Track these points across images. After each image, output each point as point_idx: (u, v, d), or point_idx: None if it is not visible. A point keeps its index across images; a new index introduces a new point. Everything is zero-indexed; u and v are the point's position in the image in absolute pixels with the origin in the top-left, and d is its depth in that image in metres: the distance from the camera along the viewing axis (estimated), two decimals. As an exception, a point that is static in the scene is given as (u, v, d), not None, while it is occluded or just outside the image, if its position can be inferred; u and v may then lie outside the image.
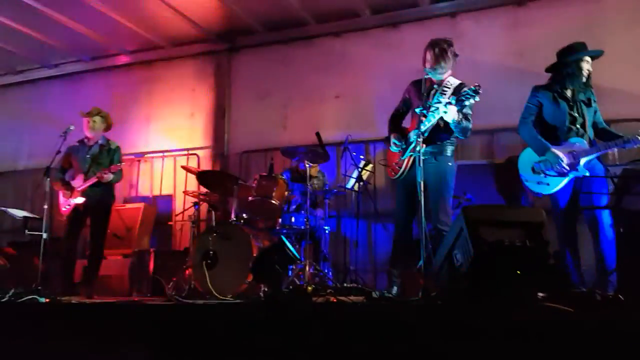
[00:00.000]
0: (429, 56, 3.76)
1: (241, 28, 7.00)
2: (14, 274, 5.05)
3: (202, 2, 6.33)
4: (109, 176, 4.92)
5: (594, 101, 3.88)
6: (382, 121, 5.67)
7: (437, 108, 3.54)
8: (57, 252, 5.01)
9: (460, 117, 3.57)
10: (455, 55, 3.77)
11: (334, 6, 6.41)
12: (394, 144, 3.88)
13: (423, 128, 3.54)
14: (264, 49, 7.11)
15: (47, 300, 3.76)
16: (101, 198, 5.04)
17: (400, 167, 3.81)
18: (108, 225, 5.18)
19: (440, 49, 3.72)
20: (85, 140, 5.21)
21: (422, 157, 3.35)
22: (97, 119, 5.16)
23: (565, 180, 3.71)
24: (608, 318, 2.21)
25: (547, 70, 3.97)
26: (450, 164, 3.77)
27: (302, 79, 6.78)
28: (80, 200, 4.91)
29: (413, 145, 3.71)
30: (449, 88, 3.77)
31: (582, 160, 3.67)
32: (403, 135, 3.89)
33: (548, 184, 3.76)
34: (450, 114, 3.50)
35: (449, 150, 3.78)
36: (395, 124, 4.06)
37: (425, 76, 3.72)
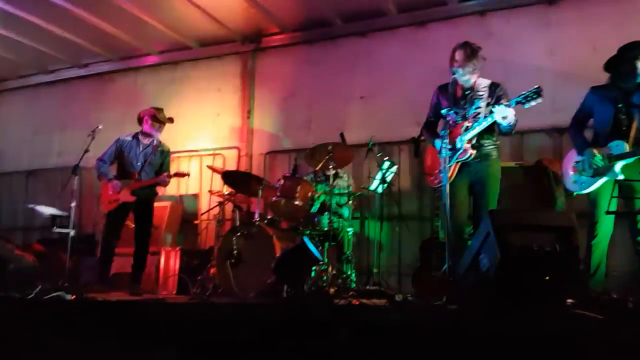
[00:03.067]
0: (459, 56, 3.74)
1: (267, 28, 7.01)
2: (42, 270, 5.14)
3: (229, 2, 6.35)
4: (169, 182, 4.96)
5: None
6: (408, 122, 5.67)
7: (493, 112, 3.52)
8: (85, 249, 5.09)
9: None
10: (484, 59, 3.74)
11: (360, 5, 6.35)
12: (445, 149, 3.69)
13: (471, 135, 3.60)
14: (289, 49, 7.10)
15: (73, 297, 3.81)
16: (148, 197, 5.06)
17: (447, 174, 3.70)
18: (152, 221, 5.20)
19: (471, 49, 3.72)
20: (141, 136, 5.17)
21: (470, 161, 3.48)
22: (167, 123, 5.18)
23: (600, 182, 3.62)
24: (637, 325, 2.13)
25: (605, 67, 3.84)
26: (497, 167, 3.76)
27: (327, 79, 6.75)
28: (130, 198, 4.92)
29: (461, 151, 3.69)
30: (484, 91, 3.76)
31: (619, 164, 3.56)
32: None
33: (583, 183, 3.71)
34: (510, 117, 3.49)
35: (495, 153, 3.77)
36: (432, 132, 4.03)
37: (452, 76, 3.66)
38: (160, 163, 5.14)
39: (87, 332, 3.04)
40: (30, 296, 3.72)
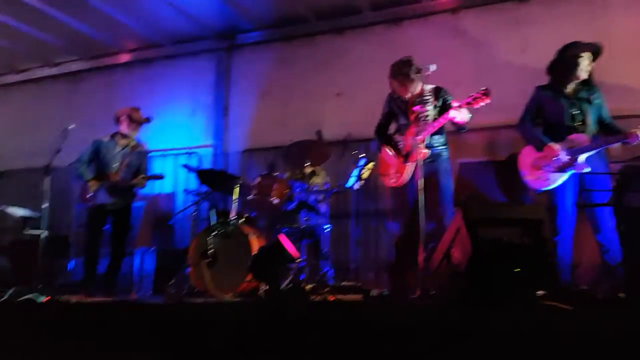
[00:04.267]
0: (395, 86, 4.02)
1: (242, 25, 6.98)
2: (15, 272, 5.06)
3: (202, -1, 6.32)
4: (145, 184, 4.93)
5: (599, 97, 3.82)
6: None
7: (448, 114, 3.69)
8: (58, 251, 5.01)
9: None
10: (419, 70, 3.85)
11: (335, 2, 6.38)
12: (392, 155, 4.09)
13: (421, 136, 3.77)
14: (265, 46, 7.08)
15: (46, 299, 3.75)
16: (127, 200, 5.02)
17: (402, 174, 3.97)
18: (130, 223, 5.16)
19: (403, 76, 3.93)
20: (117, 137, 5.11)
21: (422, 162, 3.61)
22: (144, 123, 5.12)
23: (565, 176, 3.68)
24: (608, 316, 2.19)
25: (548, 69, 3.94)
26: (448, 165, 4.02)
27: (303, 76, 6.75)
28: (107, 199, 4.87)
29: (414, 153, 3.84)
30: (429, 95, 3.99)
31: (581, 156, 3.63)
32: (393, 144, 4.12)
33: (547, 180, 3.75)
34: (463, 117, 3.70)
35: (445, 153, 4.03)
36: (384, 135, 4.28)
37: (393, 96, 4.02)
38: (138, 164, 5.08)
39: (61, 335, 3.00)
40: (3, 298, 3.66)
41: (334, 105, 6.55)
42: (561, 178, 3.70)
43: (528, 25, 5.79)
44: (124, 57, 7.69)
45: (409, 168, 3.91)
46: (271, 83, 6.93)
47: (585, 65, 3.76)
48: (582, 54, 3.75)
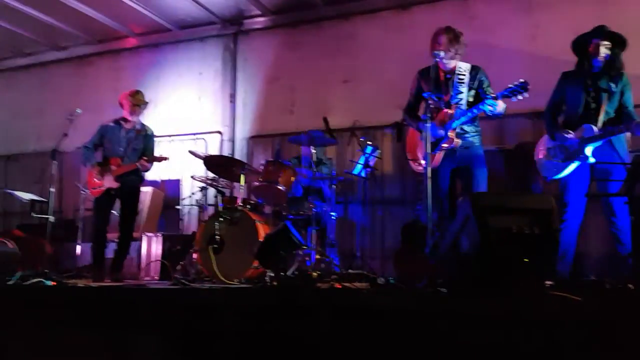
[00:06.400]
0: (442, 39, 3.82)
1: (249, 11, 6.91)
2: (22, 257, 5.08)
3: (210, -16, 6.26)
4: (150, 166, 4.92)
5: (624, 85, 3.75)
6: (391, 106, 5.65)
7: (485, 104, 3.63)
8: (65, 235, 5.03)
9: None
10: (465, 45, 3.84)
11: (343, -12, 6.31)
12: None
13: (456, 124, 3.72)
14: (272, 32, 7.03)
15: (54, 283, 3.77)
16: (133, 183, 5.01)
17: (431, 161, 3.76)
18: (137, 209, 5.18)
19: (454, 34, 3.82)
20: (122, 121, 5.09)
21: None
22: (144, 106, 5.10)
23: (573, 166, 3.68)
24: (616, 307, 2.17)
25: (573, 49, 3.88)
26: (481, 152, 3.92)
27: (310, 63, 6.70)
28: (114, 184, 4.86)
29: (446, 140, 3.80)
30: (464, 75, 3.83)
31: (588, 147, 3.61)
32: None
33: (555, 168, 3.77)
34: (499, 109, 3.64)
35: (477, 140, 3.92)
36: (413, 116, 4.13)
37: (434, 60, 3.69)
38: (143, 147, 5.07)
39: (69, 319, 3.02)
40: (10, 282, 3.68)
41: (341, 91, 6.50)
42: (569, 168, 3.70)
43: (538, 12, 5.70)
44: (131, 42, 7.65)
45: (439, 155, 3.83)
46: (278, 69, 6.89)
47: (603, 52, 3.69)
48: (602, 42, 3.68)
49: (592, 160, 3.61)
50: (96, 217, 4.98)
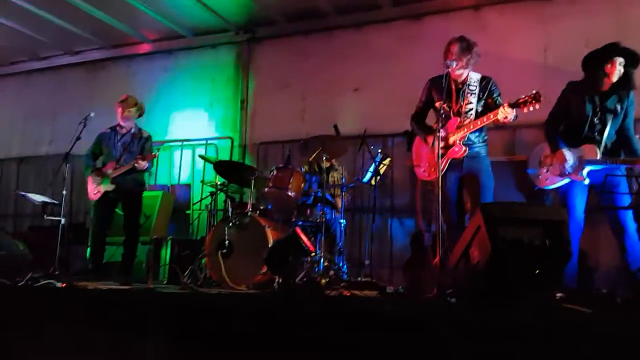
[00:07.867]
0: (455, 49, 3.83)
1: (262, 19, 6.97)
2: (33, 258, 5.12)
3: (224, -9, 6.32)
4: (144, 164, 4.98)
5: (629, 106, 3.72)
6: (401, 115, 5.63)
7: (498, 113, 3.63)
8: (76, 238, 5.07)
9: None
10: (478, 55, 3.83)
11: (356, -3, 6.34)
12: (429, 147, 3.94)
13: (465, 133, 3.73)
14: (284, 40, 7.07)
15: (63, 285, 3.79)
16: (132, 186, 5.12)
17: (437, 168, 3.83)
18: (141, 211, 5.26)
19: (467, 44, 3.82)
20: (118, 127, 5.25)
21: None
22: (133, 109, 5.21)
23: (563, 181, 3.69)
24: (627, 320, 2.15)
25: (583, 64, 3.84)
26: (487, 162, 3.92)
27: (321, 71, 6.73)
28: (110, 187, 4.97)
29: (453, 148, 3.81)
30: (474, 86, 3.83)
31: (587, 169, 3.60)
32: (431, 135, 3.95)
33: (547, 180, 3.77)
34: (509, 118, 3.62)
35: (484, 150, 3.92)
36: (421, 124, 4.14)
37: (446, 69, 3.69)
38: (141, 150, 5.17)
39: (78, 321, 3.04)
40: (21, 283, 3.71)
41: (351, 99, 6.53)
42: (559, 182, 3.71)
43: (551, 23, 5.70)
44: (145, 47, 7.72)
45: (444, 163, 3.82)
46: (289, 76, 6.93)
47: (617, 70, 3.64)
48: (616, 60, 3.64)
49: (586, 181, 3.61)
50: (95, 220, 5.10)
